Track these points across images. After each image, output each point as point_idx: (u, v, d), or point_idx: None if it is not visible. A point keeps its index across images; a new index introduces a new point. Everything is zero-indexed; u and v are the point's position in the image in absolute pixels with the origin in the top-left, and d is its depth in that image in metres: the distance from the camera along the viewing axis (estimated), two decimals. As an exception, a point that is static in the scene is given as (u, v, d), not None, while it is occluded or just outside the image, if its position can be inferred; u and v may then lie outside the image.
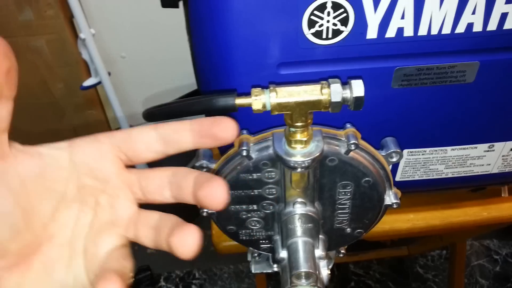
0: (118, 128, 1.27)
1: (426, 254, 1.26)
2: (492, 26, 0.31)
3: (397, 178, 0.42)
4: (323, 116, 0.31)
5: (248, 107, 0.28)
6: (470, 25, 0.31)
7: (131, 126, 1.23)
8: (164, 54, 1.25)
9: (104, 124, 1.43)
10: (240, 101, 0.28)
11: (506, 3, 0.30)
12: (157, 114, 0.31)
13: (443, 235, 0.90)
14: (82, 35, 0.98)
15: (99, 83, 1.10)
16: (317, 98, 0.27)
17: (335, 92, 0.27)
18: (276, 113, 0.28)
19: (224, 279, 1.28)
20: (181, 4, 0.38)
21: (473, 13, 0.30)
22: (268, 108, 0.27)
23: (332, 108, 0.27)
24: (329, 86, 0.27)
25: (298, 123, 0.28)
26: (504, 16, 0.30)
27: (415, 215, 0.49)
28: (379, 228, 0.49)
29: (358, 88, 0.27)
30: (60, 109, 1.33)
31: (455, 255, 0.89)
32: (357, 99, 0.27)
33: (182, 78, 1.19)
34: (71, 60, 1.20)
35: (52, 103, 1.30)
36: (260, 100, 0.27)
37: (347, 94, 0.27)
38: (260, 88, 0.27)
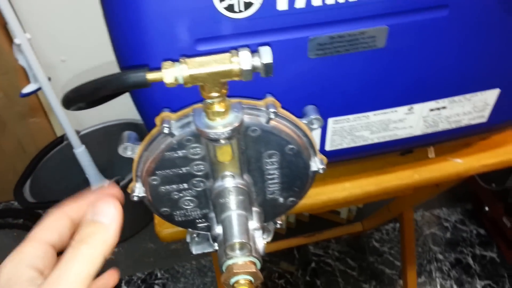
0: (63, 136, 1.24)
1: (381, 228, 1.30)
2: (395, -11, 0.32)
3: (327, 148, 0.44)
4: (245, 90, 0.32)
5: (165, 86, 0.28)
6: (373, -10, 0.32)
7: (77, 131, 1.20)
8: (106, 55, 1.21)
9: (49, 131, 1.38)
10: (151, 75, 0.28)
11: (403, -34, 0.31)
12: (73, 98, 0.31)
13: (390, 206, 0.94)
14: (17, 41, 0.93)
15: (39, 89, 1.06)
16: (228, 67, 0.28)
17: (244, 60, 0.27)
18: (190, 85, 0.28)
19: (187, 275, 1.28)
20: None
21: (374, -23, 0.32)
22: (181, 81, 0.28)
23: (244, 76, 0.28)
24: (238, 55, 0.28)
25: (213, 93, 0.29)
26: (403, -20, 0.32)
27: (351, 183, 0.51)
28: (318, 199, 0.51)
29: (266, 55, 0.28)
30: (1, 121, 1.27)
31: (403, 223, 0.94)
32: (266, 65, 0.28)
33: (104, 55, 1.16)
34: (9, 68, 1.15)
35: (-9, 115, 1.24)
36: (171, 73, 0.27)
37: (256, 61, 0.28)
38: (170, 61, 0.28)
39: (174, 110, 0.33)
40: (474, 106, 0.43)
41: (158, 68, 0.28)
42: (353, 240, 1.29)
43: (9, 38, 1.11)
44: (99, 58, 1.22)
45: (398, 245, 1.26)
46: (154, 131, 0.33)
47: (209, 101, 0.29)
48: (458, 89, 0.41)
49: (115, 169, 1.35)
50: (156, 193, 0.35)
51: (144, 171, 0.34)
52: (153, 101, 0.36)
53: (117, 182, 1.18)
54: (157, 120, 0.32)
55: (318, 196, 0.51)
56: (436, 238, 1.29)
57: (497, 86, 0.42)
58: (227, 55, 0.28)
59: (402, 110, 0.41)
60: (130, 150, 0.34)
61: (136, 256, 1.32)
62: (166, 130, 0.31)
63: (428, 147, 0.50)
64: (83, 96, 0.30)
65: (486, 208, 1.22)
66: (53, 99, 1.07)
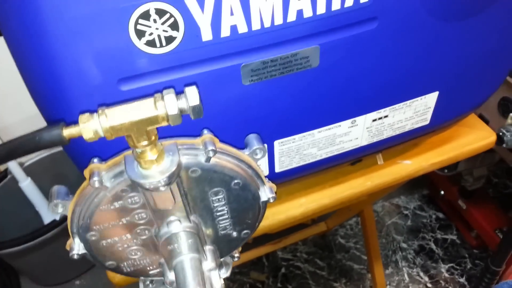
0: (6, 170, 1.16)
1: (344, 224, 1.32)
2: (321, 9, 0.32)
3: (277, 170, 0.43)
4: (180, 127, 0.30)
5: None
6: (300, 12, 0.31)
7: (20, 164, 1.13)
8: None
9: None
10: (68, 132, 0.25)
11: (327, -15, 0.30)
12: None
13: (350, 205, 0.94)
14: None
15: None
16: (153, 114, 0.25)
17: (170, 104, 0.25)
18: (113, 137, 0.26)
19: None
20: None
21: (299, -1, 0.30)
22: (102, 134, 0.25)
23: (172, 121, 0.26)
24: (163, 99, 0.26)
25: (141, 142, 0.26)
26: (329, -2, 0.31)
27: (306, 198, 0.50)
28: (275, 219, 0.49)
29: (193, 96, 0.26)
30: None
31: (364, 220, 0.94)
32: (194, 107, 0.26)
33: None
34: None
35: None
36: (90, 127, 0.25)
37: (183, 104, 0.26)
38: (88, 114, 0.25)
39: (105, 156, 0.31)
40: (416, 111, 0.43)
41: (73, 122, 0.26)
42: (319, 239, 1.30)
43: None
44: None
45: (363, 239, 1.28)
46: (84, 184, 0.30)
47: (139, 150, 0.27)
48: (397, 97, 0.41)
49: (68, 198, 1.29)
50: (97, 248, 0.33)
51: (80, 228, 0.31)
52: (82, 149, 0.33)
53: (70, 214, 1.13)
54: (86, 173, 0.29)
55: (275, 216, 0.49)
56: (398, 227, 1.31)
57: (436, 89, 0.42)
58: (150, 100, 0.25)
59: (345, 124, 0.41)
60: (61, 207, 0.31)
61: (101, 287, 1.27)
62: (96, 184, 0.28)
63: (377, 154, 0.49)
64: (-3, 161, 0.26)
65: (442, 192, 1.26)
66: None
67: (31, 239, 1.10)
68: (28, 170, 1.14)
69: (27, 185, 1.14)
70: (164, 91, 0.26)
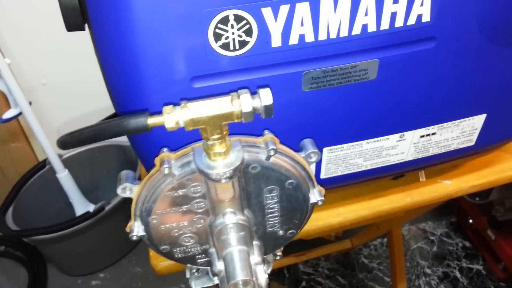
0: (46, 160, 1.21)
1: (369, 244, 1.31)
2: (385, 25, 0.33)
3: (322, 176, 0.44)
4: (243, 126, 0.32)
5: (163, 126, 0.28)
6: (364, 26, 0.33)
7: (59, 155, 1.18)
8: (87, 78, 1.21)
9: (31, 156, 1.36)
10: (152, 120, 0.28)
11: (393, 3, 0.32)
12: (70, 142, 0.31)
13: (379, 224, 0.94)
14: (-4, 67, 0.92)
15: (20, 114, 1.04)
16: (229, 110, 0.28)
17: (245, 102, 0.28)
18: (191, 128, 0.28)
19: (177, 300, 1.26)
20: (87, 26, 0.37)
21: (366, 14, 0.32)
22: (182, 125, 0.28)
23: (244, 118, 0.28)
24: (239, 97, 0.28)
25: (214, 135, 0.29)
26: (394, 15, 0.33)
27: (345, 208, 0.51)
28: (314, 225, 0.51)
29: (266, 96, 0.28)
30: (-18, 147, 1.24)
31: (392, 241, 0.94)
32: (267, 107, 0.28)
33: (108, 100, 1.16)
34: (-12, 94, 1.13)
35: (-29, 142, 1.21)
36: (172, 117, 0.27)
37: (257, 103, 0.28)
38: (171, 106, 0.28)
39: (172, 148, 0.33)
40: (463, 131, 0.44)
41: (157, 112, 0.28)
42: (342, 257, 1.30)
43: (-12, 65, 1.09)
44: (79, 81, 1.21)
45: (387, 261, 1.27)
46: (153, 171, 0.32)
47: (210, 142, 0.29)
48: (447, 115, 0.42)
49: (100, 192, 1.33)
50: (155, 231, 0.35)
51: (144, 211, 0.34)
52: (151, 141, 0.35)
53: (103, 207, 1.16)
54: (157, 161, 0.32)
55: (313, 222, 0.51)
56: (423, 252, 1.30)
57: (484, 111, 0.43)
58: (227, 98, 0.28)
59: (394, 138, 0.42)
60: (128, 190, 0.33)
61: (124, 281, 1.30)
62: (166, 171, 0.31)
63: (419, 171, 0.51)
64: (82, 142, 0.29)
65: (471, 221, 1.24)
66: (35, 123, 1.06)
67: (63, 229, 1.14)
68: (66, 163, 1.19)
69: (64, 176, 1.18)
70: (240, 91, 0.28)
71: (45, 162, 1.25)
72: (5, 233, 1.11)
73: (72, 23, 0.34)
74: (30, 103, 1.04)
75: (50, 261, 1.34)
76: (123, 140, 1.28)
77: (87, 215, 1.16)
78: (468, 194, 1.21)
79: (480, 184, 0.54)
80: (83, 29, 0.36)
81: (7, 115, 1.04)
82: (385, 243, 1.32)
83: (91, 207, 1.24)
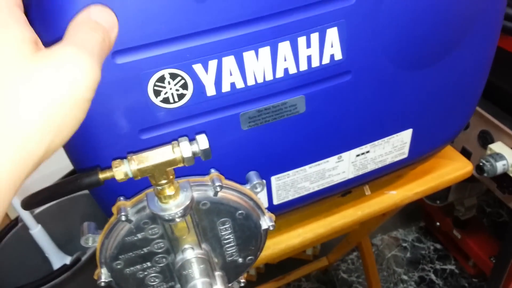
0: (17, 218, 1.21)
1: (346, 259, 1.35)
2: (303, 66, 0.38)
3: (275, 202, 0.48)
4: (192, 168, 0.36)
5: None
6: (286, 69, 0.38)
7: (30, 212, 1.17)
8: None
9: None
10: (103, 175, 0.31)
11: (307, 47, 0.37)
12: (33, 203, 0.33)
13: (348, 238, 0.98)
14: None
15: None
16: (171, 157, 0.32)
17: (185, 149, 0.32)
18: (139, 177, 0.32)
19: None
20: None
21: (285, 60, 0.37)
22: (130, 175, 0.31)
23: (186, 162, 0.32)
24: (179, 145, 0.32)
25: (161, 181, 0.32)
26: (309, 58, 0.38)
27: (303, 228, 0.55)
28: (276, 249, 0.54)
29: (203, 142, 0.32)
30: None
31: (363, 252, 0.98)
32: (204, 151, 0.32)
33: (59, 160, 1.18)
34: None
35: None
36: (121, 170, 0.31)
37: (195, 148, 0.32)
38: (119, 160, 0.31)
39: (127, 195, 0.36)
40: (394, 146, 0.49)
41: (108, 167, 0.32)
42: (322, 275, 1.33)
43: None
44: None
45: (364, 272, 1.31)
46: (112, 219, 0.35)
47: (159, 187, 0.33)
48: (375, 134, 0.47)
49: (75, 243, 1.32)
50: (121, 275, 0.38)
51: (107, 258, 0.37)
52: (107, 191, 0.39)
53: (79, 258, 1.16)
54: (114, 209, 0.35)
55: (276, 245, 0.54)
56: (398, 259, 1.35)
57: (409, 127, 0.49)
58: (169, 146, 0.32)
59: (332, 160, 0.47)
60: (91, 240, 0.36)
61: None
62: (123, 218, 0.34)
63: (364, 186, 0.55)
64: (42, 201, 0.32)
65: (438, 224, 1.30)
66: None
67: (41, 285, 1.13)
68: (38, 218, 1.19)
69: (37, 232, 1.18)
70: (179, 139, 0.32)
71: (17, 220, 1.25)
72: (-20, 298, 1.09)
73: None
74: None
75: (30, 322, 1.30)
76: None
77: (64, 268, 1.15)
78: (426, 197, 1.27)
79: (423, 191, 0.59)
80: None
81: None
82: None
83: (67, 259, 1.23)
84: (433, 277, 1.27)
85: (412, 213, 1.43)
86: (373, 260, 1.00)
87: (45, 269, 1.22)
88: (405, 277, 1.28)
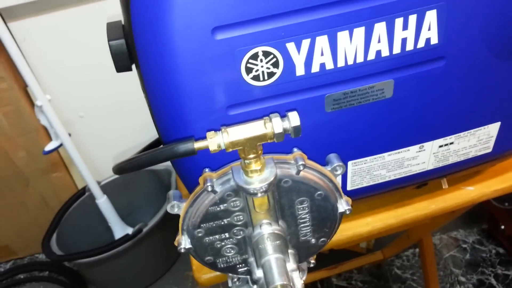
0: (85, 187, 1.29)
1: (401, 255, 1.32)
2: (397, 49, 0.37)
3: (349, 188, 0.48)
4: (275, 145, 0.36)
5: (206, 149, 0.32)
6: (378, 52, 0.37)
7: (97, 182, 1.24)
8: (120, 109, 1.28)
9: (71, 185, 1.43)
10: (198, 145, 0.32)
11: (403, 30, 0.36)
12: (126, 168, 0.35)
13: (409, 233, 0.96)
14: (38, 103, 1.00)
15: (61, 145, 1.11)
16: (263, 132, 0.32)
17: (276, 125, 0.32)
18: (230, 150, 0.32)
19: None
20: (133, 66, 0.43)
21: (379, 41, 0.37)
22: (223, 147, 0.32)
23: (276, 138, 0.33)
24: (271, 121, 0.32)
25: (250, 155, 0.33)
26: (404, 41, 0.37)
27: (373, 217, 0.54)
28: (343, 235, 0.54)
29: (294, 119, 0.32)
30: (24, 177, 1.32)
31: (424, 250, 0.96)
32: (295, 128, 0.32)
33: (140, 129, 1.23)
34: (30, 128, 1.22)
35: (15, 173, 1.29)
36: (215, 141, 0.32)
37: (286, 125, 0.32)
38: (213, 131, 0.32)
39: (212, 168, 0.38)
40: (479, 139, 0.47)
41: (200, 138, 0.33)
42: (375, 269, 1.30)
43: (30, 100, 1.17)
44: (114, 112, 1.29)
45: (420, 271, 1.27)
46: (197, 189, 0.37)
47: (247, 161, 0.34)
48: (462, 125, 0.45)
49: (136, 215, 1.39)
50: (200, 244, 0.39)
51: (190, 225, 0.38)
52: (193, 163, 0.40)
53: (141, 229, 1.22)
54: (200, 180, 0.36)
55: (343, 232, 0.54)
56: (456, 260, 1.30)
57: (498, 120, 0.46)
58: (261, 122, 0.32)
59: (414, 149, 0.46)
60: (176, 207, 0.38)
61: (162, 301, 1.34)
62: (209, 188, 0.35)
63: (441, 179, 0.53)
64: (139, 167, 0.34)
65: (502, 227, 1.24)
66: (75, 153, 1.13)
67: (103, 252, 1.20)
68: (104, 189, 1.26)
69: (103, 201, 1.25)
70: (271, 115, 0.33)
71: (84, 190, 1.32)
72: (50, 258, 1.18)
73: (121, 66, 0.40)
74: (70, 135, 1.11)
75: (91, 284, 1.40)
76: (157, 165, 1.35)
77: (126, 238, 1.21)
78: (493, 198, 1.20)
79: (502, 189, 0.56)
80: (131, 69, 0.41)
81: (49, 147, 1.11)
82: (417, 253, 1.32)
83: (129, 230, 1.30)
84: (493, 281, 1.21)
85: (475, 213, 1.37)
86: (433, 258, 0.97)
87: (107, 238, 1.29)
88: (462, 279, 1.24)
